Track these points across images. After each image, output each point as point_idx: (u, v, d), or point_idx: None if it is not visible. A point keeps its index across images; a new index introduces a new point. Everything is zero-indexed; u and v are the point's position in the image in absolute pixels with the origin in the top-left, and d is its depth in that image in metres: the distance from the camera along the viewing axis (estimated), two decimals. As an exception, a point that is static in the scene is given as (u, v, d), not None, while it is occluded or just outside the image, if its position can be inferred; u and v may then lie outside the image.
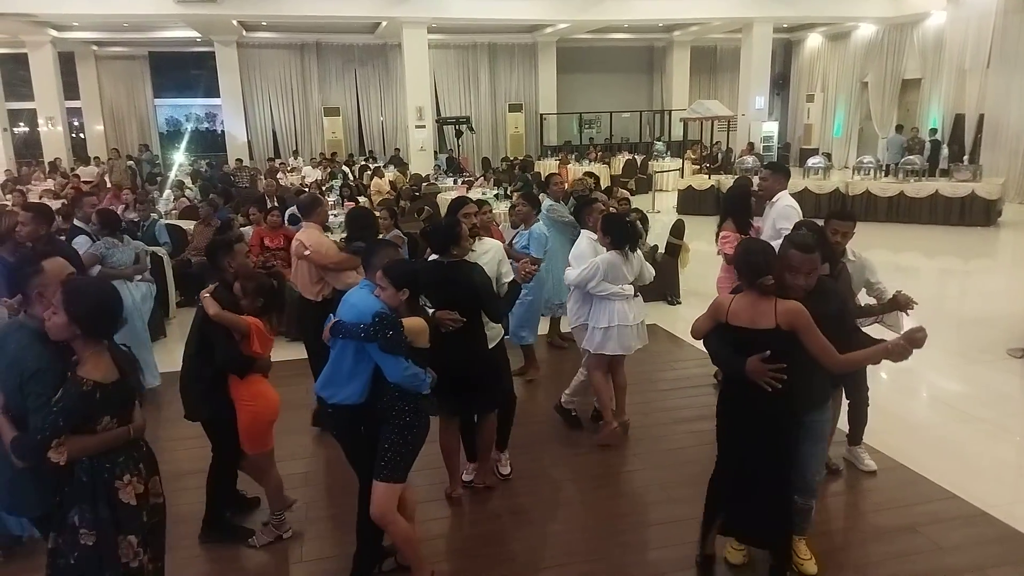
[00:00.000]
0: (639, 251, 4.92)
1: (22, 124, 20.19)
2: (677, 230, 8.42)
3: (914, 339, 2.84)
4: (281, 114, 21.41)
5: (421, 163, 16.83)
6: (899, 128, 17.71)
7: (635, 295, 4.81)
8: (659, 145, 20.50)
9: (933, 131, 16.72)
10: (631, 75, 23.66)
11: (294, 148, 20.91)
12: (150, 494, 2.70)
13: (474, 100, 22.17)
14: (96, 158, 18.61)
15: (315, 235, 5.11)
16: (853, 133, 21.05)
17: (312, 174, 16.60)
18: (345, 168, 16.96)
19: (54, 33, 17.43)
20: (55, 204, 8.98)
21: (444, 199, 13.45)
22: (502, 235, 6.04)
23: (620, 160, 19.37)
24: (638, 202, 10.46)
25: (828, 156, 16.91)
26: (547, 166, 18.28)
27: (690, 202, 14.62)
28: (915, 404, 5.73)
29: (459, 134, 19.93)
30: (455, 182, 15.23)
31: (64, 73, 18.58)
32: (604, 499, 4.37)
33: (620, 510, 4.24)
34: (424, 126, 16.97)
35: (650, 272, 4.93)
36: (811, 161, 15.10)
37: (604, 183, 12.98)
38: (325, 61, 21.29)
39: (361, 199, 12.85)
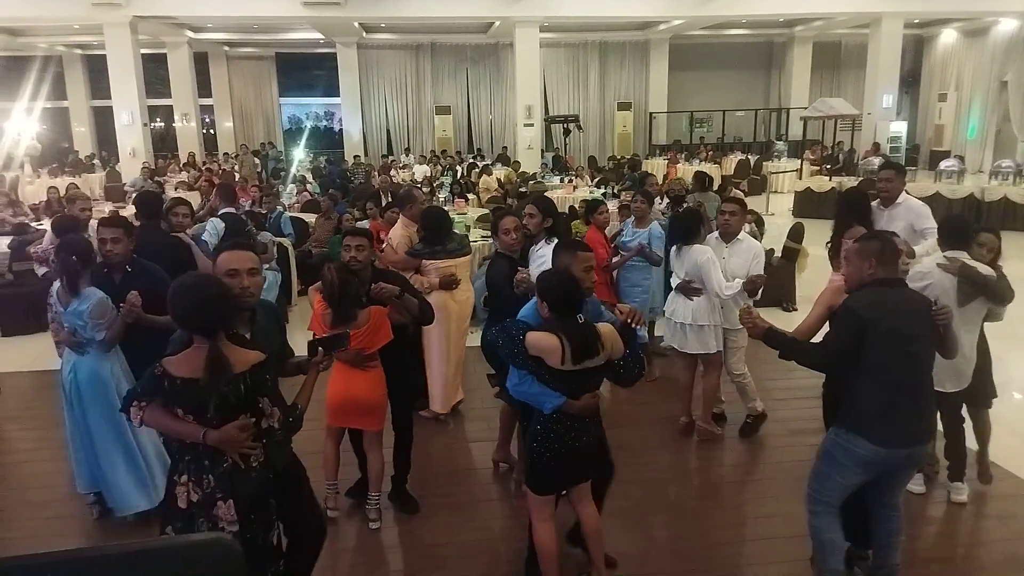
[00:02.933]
0: (700, 257, 4.67)
1: (159, 120, 21.74)
2: (796, 234, 8.11)
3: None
4: (395, 112, 22.10)
5: (528, 161, 16.95)
6: (1044, 130, 16.32)
7: (689, 297, 4.77)
8: (779, 144, 19.75)
9: (1083, 134, 15.34)
10: (747, 72, 22.92)
11: (406, 145, 21.54)
12: (214, 516, 2.52)
13: (583, 98, 22.13)
14: (225, 154, 19.84)
15: (397, 229, 5.32)
16: (989, 135, 19.53)
17: (421, 171, 17.05)
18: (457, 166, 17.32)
19: (191, 34, 18.66)
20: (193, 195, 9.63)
21: (550, 197, 13.50)
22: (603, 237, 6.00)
23: (732, 160, 18.82)
24: (752, 204, 10.10)
25: (961, 159, 15.79)
26: (655, 165, 18.02)
27: (808, 205, 14.01)
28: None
29: (567, 132, 19.93)
30: (561, 180, 15.26)
31: (198, 72, 19.85)
32: (713, 508, 4.27)
33: (729, 521, 4.14)
34: (532, 124, 17.08)
35: (719, 284, 4.58)
36: (944, 164, 14.17)
37: (715, 183, 12.66)
38: (438, 61, 21.81)
39: (470, 196, 13.08)
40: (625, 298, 5.70)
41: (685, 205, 7.10)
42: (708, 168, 16.04)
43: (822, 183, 14.36)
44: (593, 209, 5.91)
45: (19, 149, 17.60)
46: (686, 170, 16.01)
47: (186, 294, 2.56)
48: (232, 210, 6.65)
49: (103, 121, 20.60)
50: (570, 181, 14.59)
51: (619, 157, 19.17)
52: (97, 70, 20.18)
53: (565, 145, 20.18)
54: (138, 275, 3.97)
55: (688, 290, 4.76)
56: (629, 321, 3.16)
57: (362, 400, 3.83)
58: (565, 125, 19.90)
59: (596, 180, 14.41)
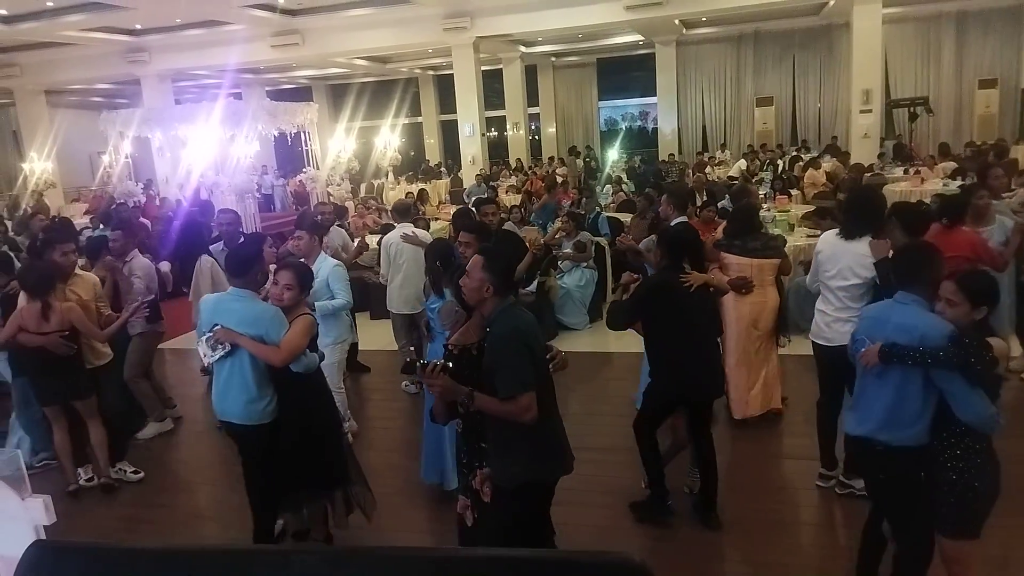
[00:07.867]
0: None
1: (493, 129, 23.90)
2: None
3: None
4: (712, 107, 21.59)
5: (862, 152, 15.29)
6: None
7: None
8: None
9: None
10: None
11: (722, 141, 20.92)
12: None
13: (933, 77, 19.40)
14: (551, 158, 21.19)
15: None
16: None
17: (737, 166, 16.36)
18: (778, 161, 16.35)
19: (523, 49, 20.19)
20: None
21: (891, 191, 12.02)
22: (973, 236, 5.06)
23: None
24: None
25: None
26: (1030, 152, 15.10)
27: None
28: None
29: (913, 117, 17.62)
30: (905, 172, 13.55)
31: (527, 83, 21.42)
32: None
33: None
34: (870, 110, 15.39)
35: None
36: None
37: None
38: (761, 49, 20.78)
39: (793, 192, 12.24)
40: None
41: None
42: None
43: None
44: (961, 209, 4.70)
45: (385, 160, 20.67)
46: (1075, 155, 13.11)
47: None
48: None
49: (449, 133, 23.35)
50: (916, 172, 12.90)
51: (979, 143, 16.43)
52: (445, 88, 22.90)
53: (910, 132, 17.89)
54: None
55: None
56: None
57: None
58: (911, 109, 17.63)
59: (953, 171, 12.50)
